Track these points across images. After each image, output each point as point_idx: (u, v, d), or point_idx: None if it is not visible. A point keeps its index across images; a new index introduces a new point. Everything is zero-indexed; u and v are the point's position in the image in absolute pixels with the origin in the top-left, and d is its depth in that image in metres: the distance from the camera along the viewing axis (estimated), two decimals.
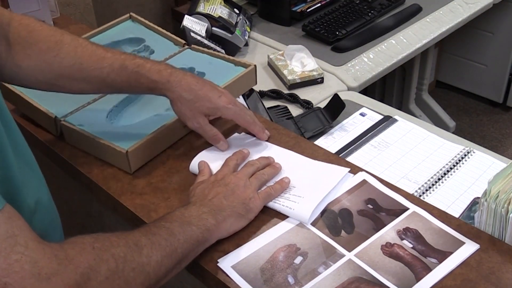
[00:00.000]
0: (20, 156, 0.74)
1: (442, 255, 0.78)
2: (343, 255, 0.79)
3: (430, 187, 1.12)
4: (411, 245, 0.80)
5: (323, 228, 0.83)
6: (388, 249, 0.79)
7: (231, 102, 0.93)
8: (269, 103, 1.39)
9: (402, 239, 0.81)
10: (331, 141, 1.26)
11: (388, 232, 0.82)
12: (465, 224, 0.83)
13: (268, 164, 0.93)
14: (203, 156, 0.97)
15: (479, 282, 0.75)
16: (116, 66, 0.91)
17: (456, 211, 1.05)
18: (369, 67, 1.61)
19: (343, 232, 0.83)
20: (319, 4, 1.86)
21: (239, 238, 0.83)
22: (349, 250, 0.79)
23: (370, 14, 1.78)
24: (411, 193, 0.93)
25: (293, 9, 1.82)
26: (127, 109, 1.06)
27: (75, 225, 1.28)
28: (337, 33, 1.70)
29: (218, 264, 0.79)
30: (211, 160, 0.95)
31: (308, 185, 0.90)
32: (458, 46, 2.63)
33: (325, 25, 1.73)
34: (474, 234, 0.81)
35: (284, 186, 0.89)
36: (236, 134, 1.03)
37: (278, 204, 0.87)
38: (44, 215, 0.79)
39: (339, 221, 0.84)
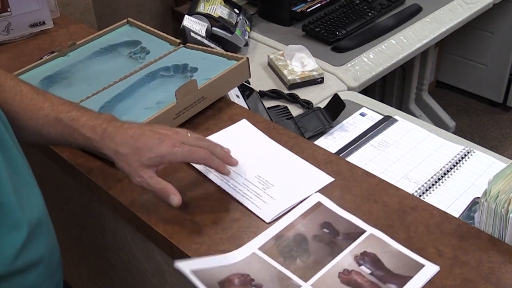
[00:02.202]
0: (18, 176, 0.73)
1: (401, 280, 0.75)
2: (299, 286, 0.75)
3: (430, 187, 1.12)
4: (369, 271, 0.76)
5: (278, 257, 0.78)
6: (346, 277, 0.75)
7: (176, 143, 0.82)
8: (269, 103, 1.39)
9: (360, 264, 0.77)
10: (331, 141, 1.26)
11: (345, 258, 0.78)
12: (465, 224, 0.83)
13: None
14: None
15: (479, 282, 0.75)
16: (51, 118, 0.86)
17: (456, 211, 1.05)
18: (369, 67, 1.61)
19: (298, 260, 0.78)
20: (319, 4, 1.86)
21: (238, 238, 0.83)
22: (306, 280, 0.75)
23: (370, 14, 1.78)
24: (411, 193, 0.94)
25: (293, 9, 1.82)
26: (119, 105, 1.06)
27: (75, 225, 1.28)
28: (337, 33, 1.70)
29: (176, 264, 0.75)
30: None
31: (285, 187, 0.90)
32: (458, 46, 2.63)
33: (325, 25, 1.73)
34: (474, 234, 0.81)
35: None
36: (240, 123, 1.04)
37: (248, 200, 0.88)
38: (42, 237, 0.78)
39: (294, 248, 0.80)
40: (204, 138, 0.87)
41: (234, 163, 0.87)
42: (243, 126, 1.04)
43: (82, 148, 0.89)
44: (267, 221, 0.85)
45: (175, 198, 0.82)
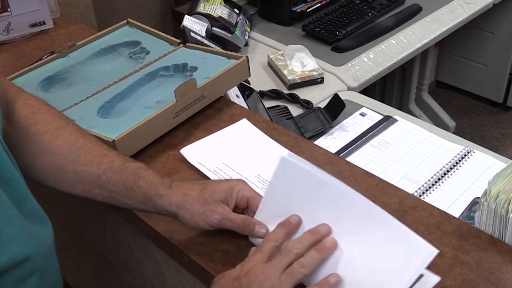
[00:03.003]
0: (22, 208, 0.72)
1: None
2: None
3: (430, 187, 1.12)
4: None
5: None
6: None
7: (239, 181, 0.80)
8: (269, 103, 1.39)
9: None
10: (331, 141, 1.26)
11: None
12: (465, 224, 0.83)
13: (316, 242, 0.70)
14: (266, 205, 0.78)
15: (479, 282, 0.75)
16: (116, 165, 0.82)
17: (456, 211, 1.05)
18: (369, 67, 1.61)
19: None
20: (319, 4, 1.86)
21: (238, 238, 0.83)
22: None
23: (370, 14, 1.78)
24: (411, 193, 0.94)
25: (293, 9, 1.82)
26: (119, 105, 1.06)
27: (75, 225, 1.28)
28: (337, 33, 1.70)
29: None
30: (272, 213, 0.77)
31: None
32: (458, 46, 2.63)
33: (325, 25, 1.73)
34: (474, 234, 0.81)
35: (323, 256, 0.69)
36: (240, 122, 1.03)
37: None
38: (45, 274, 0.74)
39: None
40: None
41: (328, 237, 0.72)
42: (243, 126, 1.04)
43: (141, 201, 0.80)
44: None
45: (261, 228, 0.76)
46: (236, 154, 0.97)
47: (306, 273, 0.68)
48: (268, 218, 0.77)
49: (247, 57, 1.11)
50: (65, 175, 0.83)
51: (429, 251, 0.64)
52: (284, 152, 0.96)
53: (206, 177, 0.93)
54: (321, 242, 0.70)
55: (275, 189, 0.76)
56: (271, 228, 0.75)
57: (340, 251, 0.69)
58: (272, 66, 1.58)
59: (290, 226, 0.72)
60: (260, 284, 0.66)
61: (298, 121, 1.30)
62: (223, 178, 0.92)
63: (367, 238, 0.68)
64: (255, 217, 0.78)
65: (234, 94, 1.18)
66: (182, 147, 1.00)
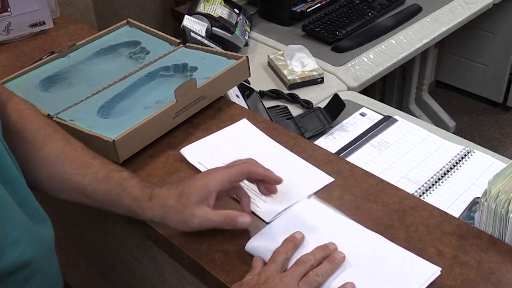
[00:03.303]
0: (25, 208, 0.72)
1: None
2: None
3: (430, 187, 1.12)
4: None
5: None
6: None
7: (211, 173, 0.80)
8: (269, 103, 1.39)
9: None
10: (331, 141, 1.26)
11: None
12: (465, 224, 0.83)
13: (326, 256, 0.76)
14: (264, 235, 0.82)
15: (479, 282, 0.75)
16: (100, 176, 0.82)
17: (456, 211, 1.05)
18: (369, 67, 1.61)
19: None
20: (319, 4, 1.86)
21: (238, 238, 0.83)
22: None
23: (370, 14, 1.78)
24: (411, 193, 0.94)
25: (293, 9, 1.82)
26: (119, 105, 1.06)
27: (75, 225, 1.28)
28: (337, 33, 1.70)
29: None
30: (269, 238, 0.81)
31: (285, 187, 0.88)
32: (458, 46, 2.63)
33: (325, 25, 1.73)
34: (474, 234, 0.81)
35: (334, 267, 0.75)
36: (241, 122, 1.04)
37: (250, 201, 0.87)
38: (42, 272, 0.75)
39: None
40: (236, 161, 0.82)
41: (278, 180, 0.83)
42: (244, 126, 1.04)
43: (126, 212, 0.82)
44: (267, 220, 0.85)
45: (244, 219, 0.79)
46: (236, 154, 0.97)
47: (321, 281, 0.72)
48: (272, 238, 0.80)
49: (247, 57, 1.11)
50: (52, 183, 0.83)
51: (433, 270, 0.75)
52: (285, 152, 0.97)
53: None
54: (332, 255, 0.75)
55: (287, 220, 0.84)
56: (275, 245, 0.78)
57: (349, 265, 0.76)
58: (272, 66, 1.58)
59: (296, 240, 0.77)
60: None
61: (298, 121, 1.30)
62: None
63: (372, 259, 0.77)
64: (259, 234, 0.81)
65: (234, 94, 1.18)
66: (182, 147, 1.00)
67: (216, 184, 0.79)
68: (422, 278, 0.74)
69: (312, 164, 0.95)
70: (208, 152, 0.98)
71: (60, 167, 0.83)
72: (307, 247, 0.78)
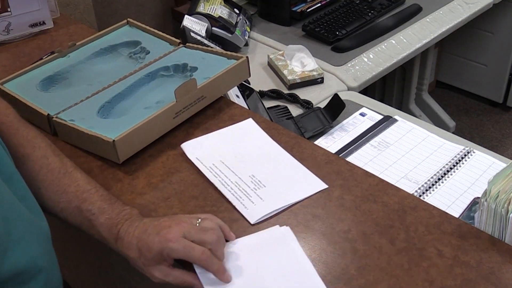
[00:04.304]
0: (24, 202, 0.72)
1: None
2: None
3: (430, 187, 1.12)
4: None
5: None
6: None
7: (173, 238, 0.75)
8: (269, 103, 1.39)
9: None
10: (331, 141, 1.26)
11: None
12: (465, 224, 0.83)
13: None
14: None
15: (479, 282, 0.75)
16: (72, 206, 0.82)
17: (456, 211, 1.05)
18: (369, 67, 1.61)
19: None
20: (319, 4, 1.86)
21: (238, 238, 0.83)
22: None
23: (370, 14, 1.78)
24: (411, 193, 0.94)
25: (293, 9, 1.82)
26: (119, 105, 1.06)
27: None
28: (337, 33, 1.70)
29: None
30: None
31: (276, 190, 0.90)
32: (458, 46, 2.63)
33: (325, 25, 1.73)
34: (474, 234, 0.81)
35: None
36: (246, 122, 1.04)
37: (237, 199, 0.88)
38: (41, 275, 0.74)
39: None
40: (211, 228, 0.78)
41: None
42: (248, 126, 1.04)
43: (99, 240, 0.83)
44: (252, 222, 0.85)
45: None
46: (235, 153, 0.97)
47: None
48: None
49: (247, 57, 1.11)
50: (29, 200, 0.81)
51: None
52: (284, 155, 0.96)
53: (202, 175, 0.93)
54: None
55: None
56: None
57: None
58: (272, 66, 1.58)
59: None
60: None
61: (298, 121, 1.30)
62: (216, 175, 0.93)
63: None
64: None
65: (234, 94, 1.18)
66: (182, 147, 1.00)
67: (173, 256, 0.76)
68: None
69: (311, 166, 0.95)
70: (208, 149, 0.98)
71: (36, 190, 0.82)
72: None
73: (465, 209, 1.05)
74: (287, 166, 0.95)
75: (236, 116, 1.07)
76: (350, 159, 1.18)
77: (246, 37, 1.68)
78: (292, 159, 0.96)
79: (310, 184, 0.91)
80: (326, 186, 0.91)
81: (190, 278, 0.77)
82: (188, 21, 1.51)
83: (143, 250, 0.77)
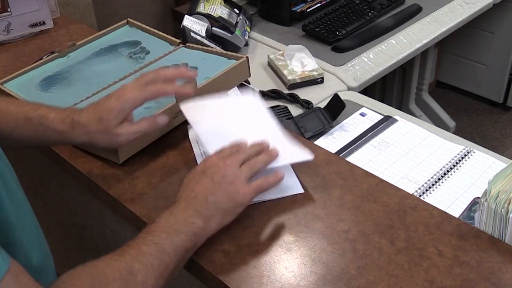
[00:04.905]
0: (13, 199, 0.72)
1: None
2: None
3: (430, 187, 1.12)
4: None
5: None
6: None
7: (123, 94, 0.85)
8: (269, 103, 1.39)
9: None
10: (331, 141, 1.26)
11: None
12: (465, 224, 0.83)
13: (262, 150, 0.87)
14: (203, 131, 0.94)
15: (479, 282, 0.75)
16: (20, 120, 0.86)
17: (456, 211, 1.05)
18: (369, 67, 1.61)
19: None
20: (319, 4, 1.86)
21: (238, 238, 0.83)
22: None
23: (370, 14, 1.78)
24: (411, 193, 0.94)
25: (293, 9, 1.82)
26: None
27: (75, 225, 1.28)
28: (337, 33, 1.70)
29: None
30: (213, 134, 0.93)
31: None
32: (458, 46, 2.63)
33: (325, 25, 1.73)
34: (474, 234, 0.81)
35: (278, 179, 0.85)
36: (244, 96, 1.07)
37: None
38: (37, 257, 0.76)
39: None
40: (147, 72, 0.89)
41: (192, 74, 0.92)
42: (252, 101, 1.04)
43: (59, 144, 0.91)
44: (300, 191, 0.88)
45: (161, 117, 0.89)
46: (230, 125, 0.97)
47: (259, 167, 0.84)
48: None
49: (247, 57, 1.11)
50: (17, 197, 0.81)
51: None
52: (275, 129, 0.97)
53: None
54: (268, 150, 0.87)
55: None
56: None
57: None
58: (272, 66, 1.58)
59: (239, 146, 0.86)
60: (223, 173, 0.81)
61: (298, 121, 1.30)
62: (203, 154, 0.97)
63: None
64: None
65: (234, 94, 1.18)
66: (182, 147, 1.00)
67: (132, 104, 0.85)
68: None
69: (311, 166, 0.95)
70: (204, 114, 0.97)
71: None
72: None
73: (465, 209, 1.05)
74: (278, 137, 0.95)
75: None
76: (350, 159, 1.18)
77: (246, 37, 1.68)
78: (284, 133, 0.96)
79: (297, 152, 0.93)
80: (313, 157, 0.92)
81: (144, 121, 0.88)
82: (188, 21, 1.51)
83: (103, 115, 0.84)
